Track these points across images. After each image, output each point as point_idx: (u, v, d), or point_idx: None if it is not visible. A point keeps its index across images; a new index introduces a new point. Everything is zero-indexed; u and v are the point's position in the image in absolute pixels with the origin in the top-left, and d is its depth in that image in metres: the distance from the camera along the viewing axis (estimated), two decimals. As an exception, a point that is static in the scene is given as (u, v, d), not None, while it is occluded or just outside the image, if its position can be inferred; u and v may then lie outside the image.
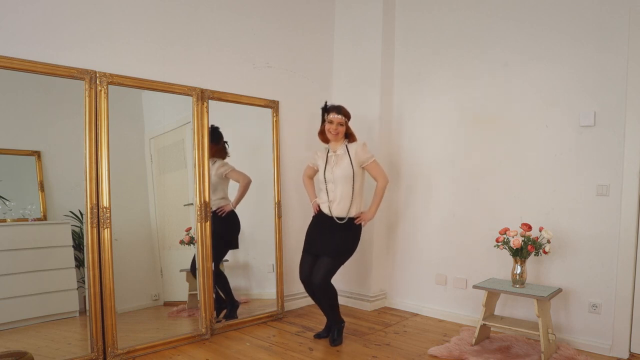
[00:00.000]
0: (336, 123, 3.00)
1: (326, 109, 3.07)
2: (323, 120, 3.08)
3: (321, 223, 3.08)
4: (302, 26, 3.93)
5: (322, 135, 3.13)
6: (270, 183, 3.64)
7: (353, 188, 3.02)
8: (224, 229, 3.34)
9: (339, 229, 3.00)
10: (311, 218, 3.20)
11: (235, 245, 3.45)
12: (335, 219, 3.00)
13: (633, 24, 2.80)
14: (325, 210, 3.05)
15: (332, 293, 3.02)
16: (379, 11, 3.84)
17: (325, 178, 3.05)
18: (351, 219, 3.03)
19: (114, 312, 2.70)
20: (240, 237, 3.50)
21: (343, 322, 3.15)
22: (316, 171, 3.23)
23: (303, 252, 3.13)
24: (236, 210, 3.39)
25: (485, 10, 3.42)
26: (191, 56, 3.21)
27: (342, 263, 3.05)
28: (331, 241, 2.99)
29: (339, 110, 3.02)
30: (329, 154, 3.09)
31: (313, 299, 3.12)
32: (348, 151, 3.03)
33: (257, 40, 3.60)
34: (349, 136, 3.11)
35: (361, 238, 3.18)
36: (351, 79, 4.03)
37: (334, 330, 3.09)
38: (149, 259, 3.14)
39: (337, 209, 3.01)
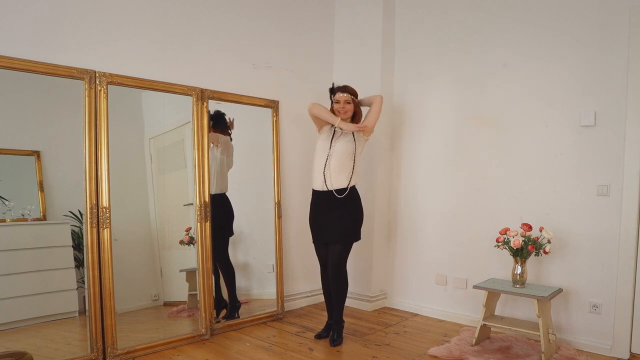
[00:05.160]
0: (343, 102, 3.05)
1: (332, 90, 3.12)
2: (332, 102, 3.12)
3: (320, 207, 3.08)
4: (302, 26, 3.92)
5: None
6: (270, 183, 3.63)
7: (353, 163, 3.05)
8: (222, 216, 3.34)
9: (339, 206, 3.01)
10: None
11: (232, 232, 3.46)
12: (334, 193, 3.00)
13: (633, 24, 2.79)
14: (320, 186, 3.05)
15: (345, 282, 3.09)
16: (379, 11, 3.84)
17: (329, 148, 3.04)
18: (350, 191, 3.03)
19: (114, 312, 2.70)
20: (240, 237, 3.50)
21: (343, 322, 3.16)
22: (321, 122, 3.15)
23: (313, 242, 3.18)
24: (234, 202, 3.42)
25: (486, 9, 3.42)
26: (191, 56, 3.20)
27: (353, 242, 3.10)
28: (336, 226, 3.01)
29: (345, 89, 3.07)
30: (336, 129, 3.10)
31: (324, 290, 3.18)
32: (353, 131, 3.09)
33: (257, 40, 3.60)
34: (357, 114, 3.12)
35: (361, 238, 3.18)
36: (351, 79, 4.00)
37: (334, 330, 3.09)
38: (148, 259, 3.14)
39: (335, 182, 3.01)
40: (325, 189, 3.02)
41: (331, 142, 3.05)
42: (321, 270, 3.18)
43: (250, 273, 3.63)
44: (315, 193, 3.11)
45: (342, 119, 3.06)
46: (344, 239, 3.03)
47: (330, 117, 3.06)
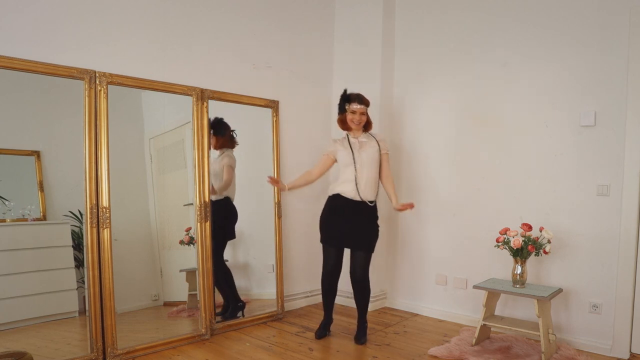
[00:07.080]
0: (359, 113, 3.04)
1: (347, 99, 3.07)
2: (342, 109, 3.09)
3: (343, 211, 3.04)
4: (302, 26, 3.92)
5: (343, 124, 3.12)
6: (270, 183, 3.63)
7: (379, 171, 3.11)
8: (223, 219, 3.33)
9: (368, 216, 3.03)
10: (317, 217, 3.17)
11: (233, 236, 3.45)
12: (367, 203, 3.01)
13: (633, 24, 2.79)
14: (351, 195, 3.02)
15: (369, 286, 3.11)
16: (379, 11, 3.84)
17: (354, 161, 3.02)
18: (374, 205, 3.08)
19: (114, 312, 2.70)
20: (240, 237, 3.50)
21: (367, 322, 3.20)
22: (333, 161, 3.17)
23: (324, 244, 3.12)
24: (235, 204, 3.40)
25: (486, 9, 3.42)
26: (191, 56, 3.20)
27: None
28: (364, 234, 3.02)
29: (361, 100, 3.05)
30: (351, 140, 3.10)
31: (326, 295, 3.17)
32: (375, 137, 3.12)
33: (257, 40, 3.60)
34: (368, 124, 3.14)
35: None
36: (351, 78, 4.02)
37: (359, 330, 3.12)
38: (148, 259, 3.14)
39: (367, 192, 3.02)
40: (359, 198, 3.01)
41: (353, 154, 3.04)
42: (326, 271, 3.12)
43: (250, 273, 3.63)
44: (342, 199, 3.04)
45: (355, 130, 3.09)
46: (371, 247, 3.06)
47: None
